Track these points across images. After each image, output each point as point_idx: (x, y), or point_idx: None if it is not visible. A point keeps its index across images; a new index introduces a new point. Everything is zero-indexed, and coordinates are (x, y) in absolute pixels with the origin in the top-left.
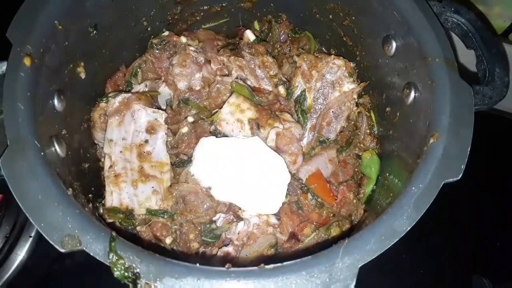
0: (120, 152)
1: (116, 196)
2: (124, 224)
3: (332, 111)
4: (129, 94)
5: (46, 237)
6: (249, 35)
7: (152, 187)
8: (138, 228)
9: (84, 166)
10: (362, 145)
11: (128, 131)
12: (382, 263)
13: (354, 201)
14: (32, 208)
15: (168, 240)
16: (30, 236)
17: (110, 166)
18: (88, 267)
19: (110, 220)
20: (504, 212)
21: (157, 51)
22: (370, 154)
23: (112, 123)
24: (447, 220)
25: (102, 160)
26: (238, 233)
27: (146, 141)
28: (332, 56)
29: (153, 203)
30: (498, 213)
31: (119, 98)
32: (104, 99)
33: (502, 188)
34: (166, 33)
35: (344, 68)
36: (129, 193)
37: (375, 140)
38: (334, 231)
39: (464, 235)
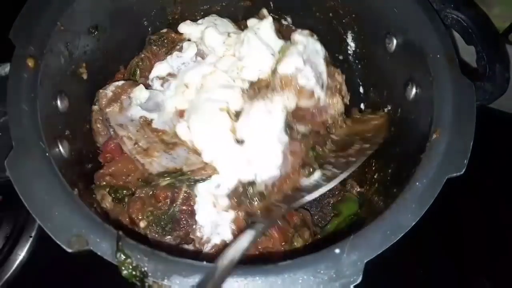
0: (137, 131)
1: (156, 164)
2: (118, 192)
3: None
4: (122, 82)
5: (53, 238)
6: None
7: (185, 149)
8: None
9: (87, 167)
10: None
11: (133, 113)
12: (381, 263)
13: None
14: (38, 209)
15: (142, 224)
16: (30, 236)
17: (135, 143)
18: (88, 267)
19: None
20: (504, 212)
21: (154, 47)
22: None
23: (112, 112)
24: (447, 220)
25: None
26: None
27: (152, 120)
28: None
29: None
30: (498, 213)
31: (111, 87)
32: (95, 101)
33: (503, 188)
34: (165, 30)
35: None
36: (167, 158)
37: None
38: (298, 243)
39: (465, 235)
